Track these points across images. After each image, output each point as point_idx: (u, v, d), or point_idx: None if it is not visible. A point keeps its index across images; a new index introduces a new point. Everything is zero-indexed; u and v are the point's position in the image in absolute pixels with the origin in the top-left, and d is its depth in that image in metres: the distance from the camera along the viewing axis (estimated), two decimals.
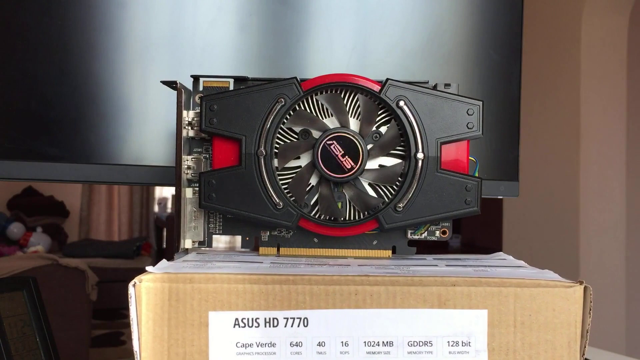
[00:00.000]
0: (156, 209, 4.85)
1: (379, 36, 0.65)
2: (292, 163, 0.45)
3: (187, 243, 0.46)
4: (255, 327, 0.35)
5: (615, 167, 2.10)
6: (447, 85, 0.45)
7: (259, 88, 0.44)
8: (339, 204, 0.44)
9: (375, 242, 0.45)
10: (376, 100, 0.43)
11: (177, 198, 0.45)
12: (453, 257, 0.46)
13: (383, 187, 0.44)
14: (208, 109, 0.44)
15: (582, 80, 2.03)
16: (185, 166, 0.46)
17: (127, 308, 0.36)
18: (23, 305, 0.52)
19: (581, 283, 0.35)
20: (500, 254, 0.47)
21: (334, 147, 0.42)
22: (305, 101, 0.44)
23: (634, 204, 2.14)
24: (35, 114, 0.50)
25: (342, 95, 0.44)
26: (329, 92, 0.44)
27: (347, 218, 0.44)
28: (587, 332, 0.35)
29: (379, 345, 0.35)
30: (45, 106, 0.50)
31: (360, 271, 0.37)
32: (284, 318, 0.35)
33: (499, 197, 0.71)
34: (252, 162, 0.43)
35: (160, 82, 0.46)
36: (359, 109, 0.44)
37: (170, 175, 0.55)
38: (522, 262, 0.43)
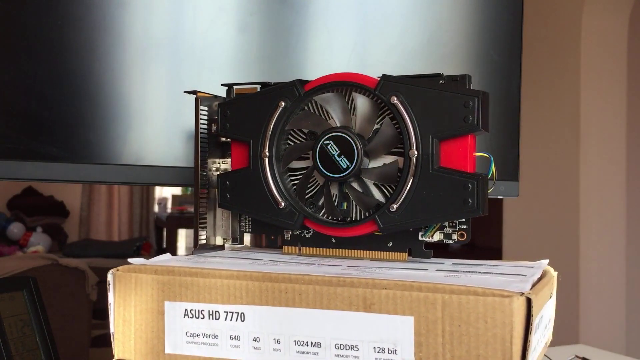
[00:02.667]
0: (156, 209, 4.85)
1: (379, 36, 0.65)
2: (303, 164, 0.45)
3: (218, 240, 0.49)
4: (201, 318, 0.37)
5: (615, 167, 2.10)
6: (454, 77, 0.42)
7: (263, 92, 0.45)
8: (344, 205, 0.44)
9: (390, 244, 0.43)
10: (375, 98, 0.42)
11: (196, 200, 0.47)
12: (470, 262, 0.43)
13: (388, 187, 0.43)
14: (223, 115, 0.46)
15: (582, 80, 2.03)
16: (214, 168, 0.49)
17: None
18: (23, 305, 0.52)
19: (522, 294, 0.31)
20: (539, 263, 0.43)
21: (330, 147, 0.42)
22: (313, 102, 0.44)
23: (634, 204, 2.14)
24: (35, 114, 0.50)
25: (344, 95, 0.44)
26: (329, 92, 0.44)
27: (353, 218, 0.44)
28: (527, 349, 0.31)
29: (307, 345, 0.34)
30: (45, 106, 0.50)
31: (304, 270, 0.37)
32: (224, 312, 0.36)
33: (499, 197, 0.71)
34: (257, 163, 0.44)
35: (184, 92, 0.48)
36: (359, 108, 0.43)
37: (170, 175, 0.55)
38: (531, 272, 0.39)
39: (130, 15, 0.54)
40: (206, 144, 0.48)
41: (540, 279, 0.39)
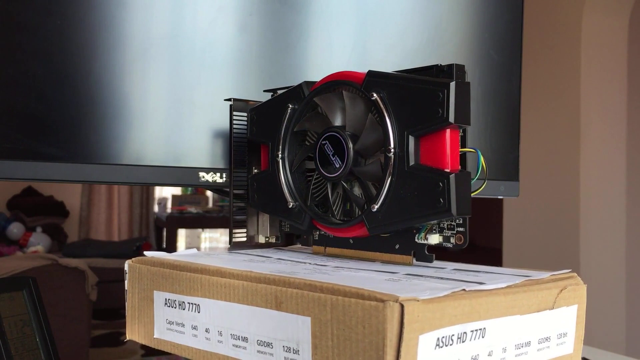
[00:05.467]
0: (156, 209, 4.85)
1: (378, 36, 0.64)
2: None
3: (261, 239, 0.51)
4: (174, 307, 0.39)
5: (615, 167, 2.10)
6: (442, 68, 0.39)
7: (278, 96, 0.47)
8: (348, 205, 0.44)
9: (397, 247, 0.41)
10: (364, 96, 0.41)
11: (230, 200, 0.51)
12: (470, 268, 0.41)
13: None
14: (251, 119, 0.49)
15: (582, 80, 2.03)
16: (255, 170, 0.51)
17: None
18: (23, 305, 0.52)
19: (396, 300, 0.28)
20: (549, 272, 0.38)
21: (327, 146, 0.42)
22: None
23: (634, 204, 2.14)
24: (35, 114, 0.50)
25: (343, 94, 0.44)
26: (330, 92, 0.44)
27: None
28: None
29: (239, 339, 0.35)
30: (45, 106, 0.50)
31: (274, 268, 0.37)
32: (188, 303, 0.38)
33: (499, 197, 0.71)
34: (274, 165, 0.46)
35: (224, 100, 0.52)
36: (351, 107, 0.43)
37: (170, 175, 0.55)
38: (501, 279, 0.35)
39: (130, 15, 0.53)
40: (245, 147, 0.50)
41: (521, 285, 0.35)
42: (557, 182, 2.14)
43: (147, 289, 0.41)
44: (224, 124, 0.56)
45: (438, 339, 0.29)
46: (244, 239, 0.49)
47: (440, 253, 0.43)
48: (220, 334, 0.36)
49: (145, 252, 0.42)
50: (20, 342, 0.51)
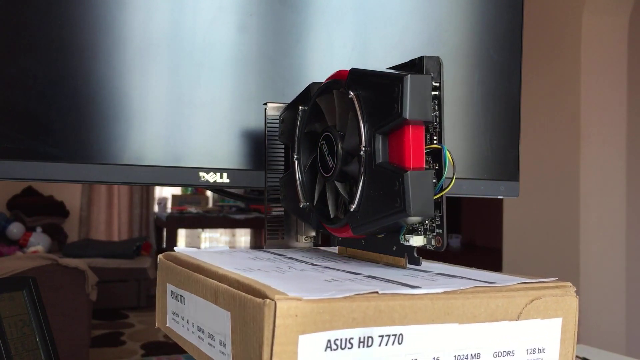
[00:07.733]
0: (156, 209, 4.86)
1: (378, 36, 0.64)
2: None
3: (300, 239, 0.52)
4: (175, 299, 0.41)
5: (615, 167, 2.10)
6: (414, 61, 0.37)
7: (295, 99, 0.48)
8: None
9: (394, 249, 0.40)
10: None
11: (265, 201, 0.52)
12: (451, 272, 0.39)
13: None
14: (280, 122, 0.50)
15: (582, 80, 2.03)
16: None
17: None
18: (23, 305, 0.52)
19: (271, 298, 0.27)
20: (545, 280, 0.35)
21: (324, 147, 0.42)
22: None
23: (634, 204, 2.14)
24: (35, 114, 0.50)
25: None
26: (330, 92, 0.44)
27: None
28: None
29: (200, 331, 0.36)
30: (45, 106, 0.50)
31: (242, 264, 0.39)
32: (180, 295, 0.40)
33: (499, 197, 0.71)
34: (292, 166, 0.47)
35: (263, 104, 0.53)
36: (341, 106, 0.43)
37: (170, 175, 0.55)
38: (454, 282, 0.34)
39: (130, 15, 0.53)
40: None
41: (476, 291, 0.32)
42: (557, 182, 2.14)
43: (164, 282, 0.44)
44: (224, 123, 0.56)
45: (329, 340, 0.28)
46: (276, 238, 0.51)
47: (444, 255, 0.43)
48: (193, 325, 0.38)
49: (175, 248, 0.45)
50: (20, 342, 0.51)
